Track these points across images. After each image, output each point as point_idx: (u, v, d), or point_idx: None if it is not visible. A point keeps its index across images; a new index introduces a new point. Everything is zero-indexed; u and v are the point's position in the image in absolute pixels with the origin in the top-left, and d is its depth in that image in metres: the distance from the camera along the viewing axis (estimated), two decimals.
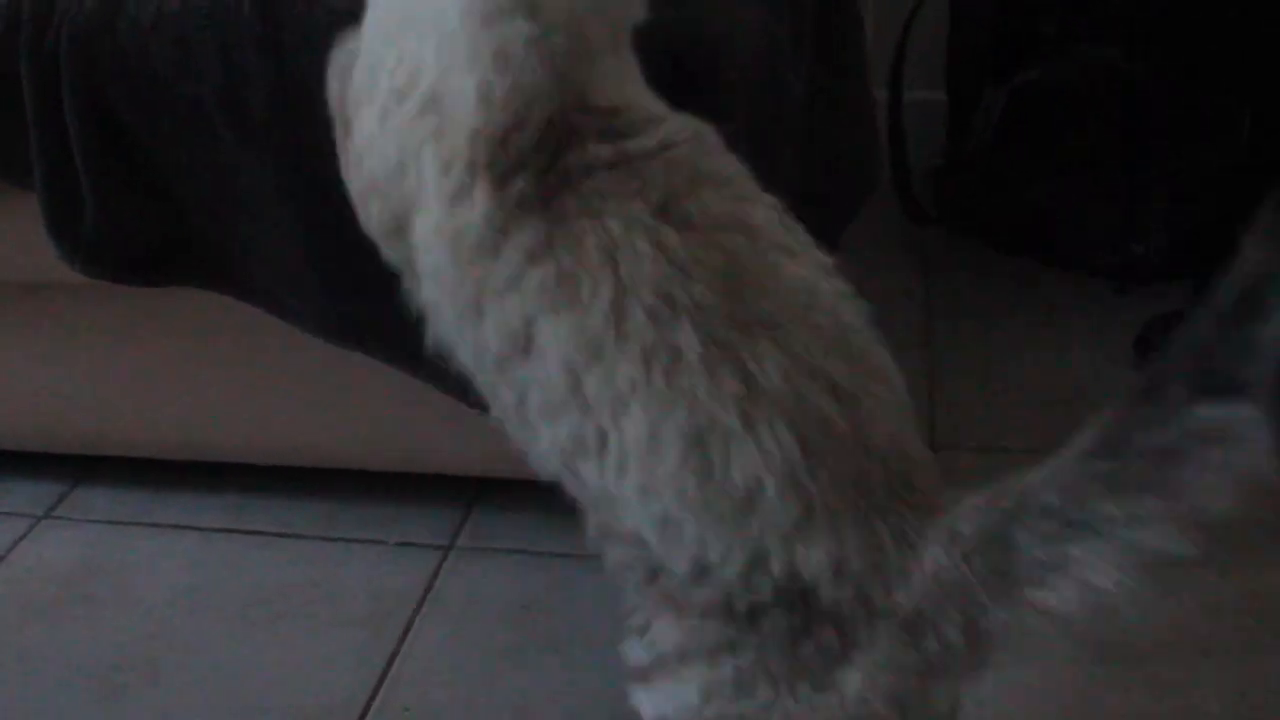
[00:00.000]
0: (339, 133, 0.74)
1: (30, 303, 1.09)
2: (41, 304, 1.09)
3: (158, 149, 0.94)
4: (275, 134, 0.90)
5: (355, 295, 0.94)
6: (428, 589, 1.01)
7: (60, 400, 1.12)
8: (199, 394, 1.09)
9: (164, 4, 0.93)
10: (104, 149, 0.95)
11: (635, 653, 0.68)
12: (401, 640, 0.96)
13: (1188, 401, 0.52)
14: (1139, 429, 0.54)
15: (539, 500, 1.09)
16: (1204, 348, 0.52)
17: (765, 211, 0.65)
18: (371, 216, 0.73)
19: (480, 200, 0.63)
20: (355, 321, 0.95)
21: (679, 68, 0.82)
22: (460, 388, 0.94)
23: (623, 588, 0.69)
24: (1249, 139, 1.37)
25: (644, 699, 0.68)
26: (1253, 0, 1.30)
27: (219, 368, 1.07)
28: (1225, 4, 1.31)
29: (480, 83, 0.63)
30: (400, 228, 0.70)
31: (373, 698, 0.91)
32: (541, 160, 0.63)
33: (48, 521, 1.14)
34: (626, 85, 0.68)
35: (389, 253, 0.74)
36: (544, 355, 0.63)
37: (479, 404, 0.94)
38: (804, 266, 0.64)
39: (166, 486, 1.16)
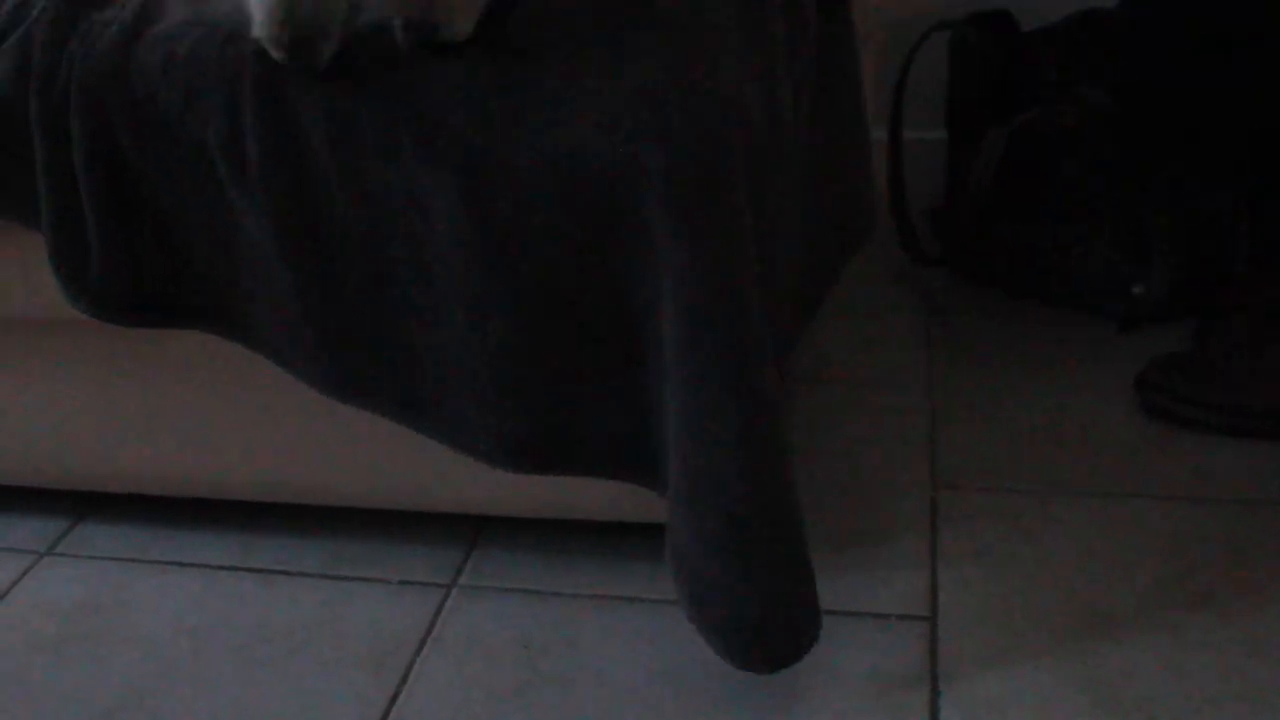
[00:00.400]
0: None
1: (34, 339, 1.10)
2: (45, 340, 1.10)
3: (165, 193, 0.96)
4: (270, 183, 0.92)
5: (349, 349, 0.95)
6: (429, 628, 1.02)
7: (63, 437, 1.13)
8: (202, 431, 1.10)
9: (174, 49, 0.95)
10: (112, 192, 0.97)
11: None
12: (403, 680, 0.97)
13: None
14: None
15: (541, 539, 1.11)
16: None
17: None
18: None
19: None
20: (350, 375, 0.96)
21: (686, 132, 0.84)
22: (456, 437, 0.96)
23: None
24: (1250, 184, 1.39)
25: None
26: (1253, 48, 1.32)
27: (223, 405, 1.09)
28: (1227, 50, 1.33)
29: None
30: None
31: None
32: None
33: (50, 558, 1.15)
34: None
35: None
36: None
37: (474, 450, 0.96)
38: None
39: (169, 523, 1.17)
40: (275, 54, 0.90)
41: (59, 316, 1.03)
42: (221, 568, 1.12)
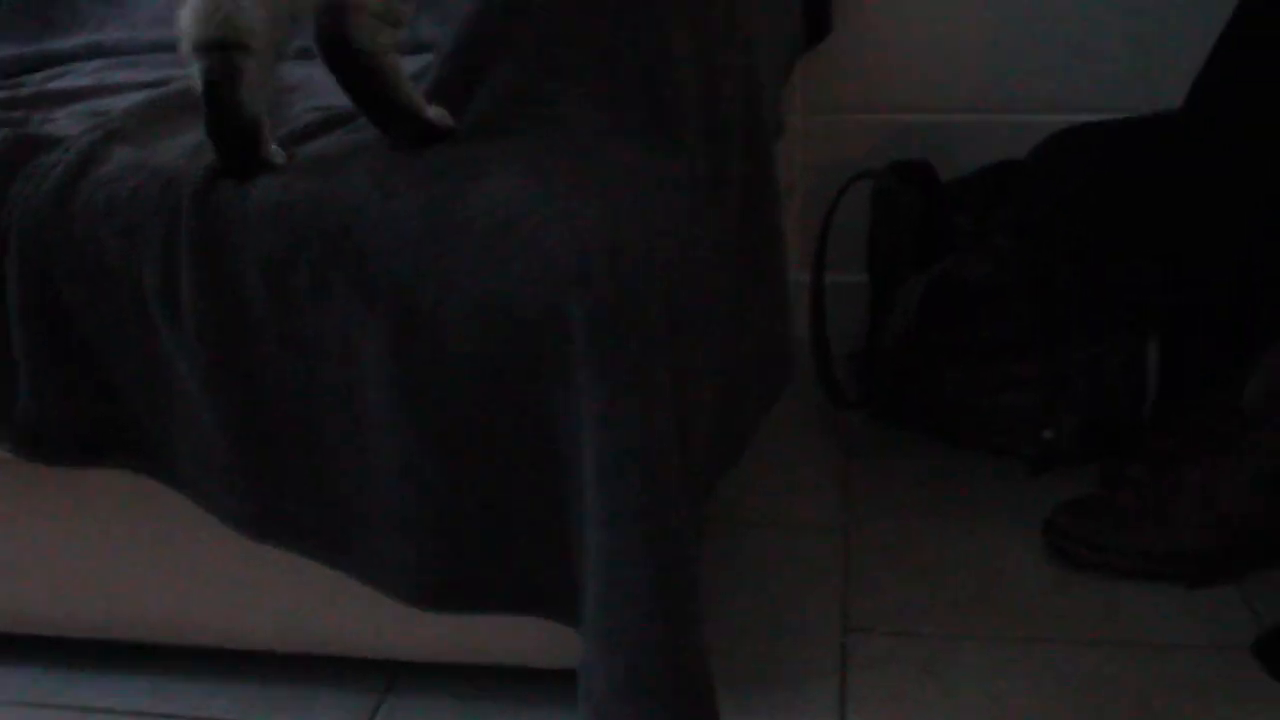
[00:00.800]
0: None
1: None
2: None
3: (100, 333, 1.01)
4: (203, 323, 0.97)
5: (274, 489, 1.00)
6: None
7: None
8: (117, 574, 1.13)
9: (116, 191, 1.01)
10: (46, 331, 1.01)
11: None
12: None
13: None
14: None
15: (455, 685, 1.14)
16: None
17: None
18: None
19: None
20: (273, 515, 1.01)
21: (609, 284, 0.91)
22: (377, 577, 1.00)
23: None
24: (1157, 330, 1.49)
25: None
26: (1158, 198, 1.43)
27: (137, 547, 1.12)
28: (1132, 200, 1.45)
29: None
30: None
31: None
32: None
33: None
34: None
35: None
36: None
37: (395, 590, 1.00)
38: None
39: (82, 667, 1.18)
40: (198, 63, 0.98)
41: None
42: (135, 713, 1.13)
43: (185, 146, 1.06)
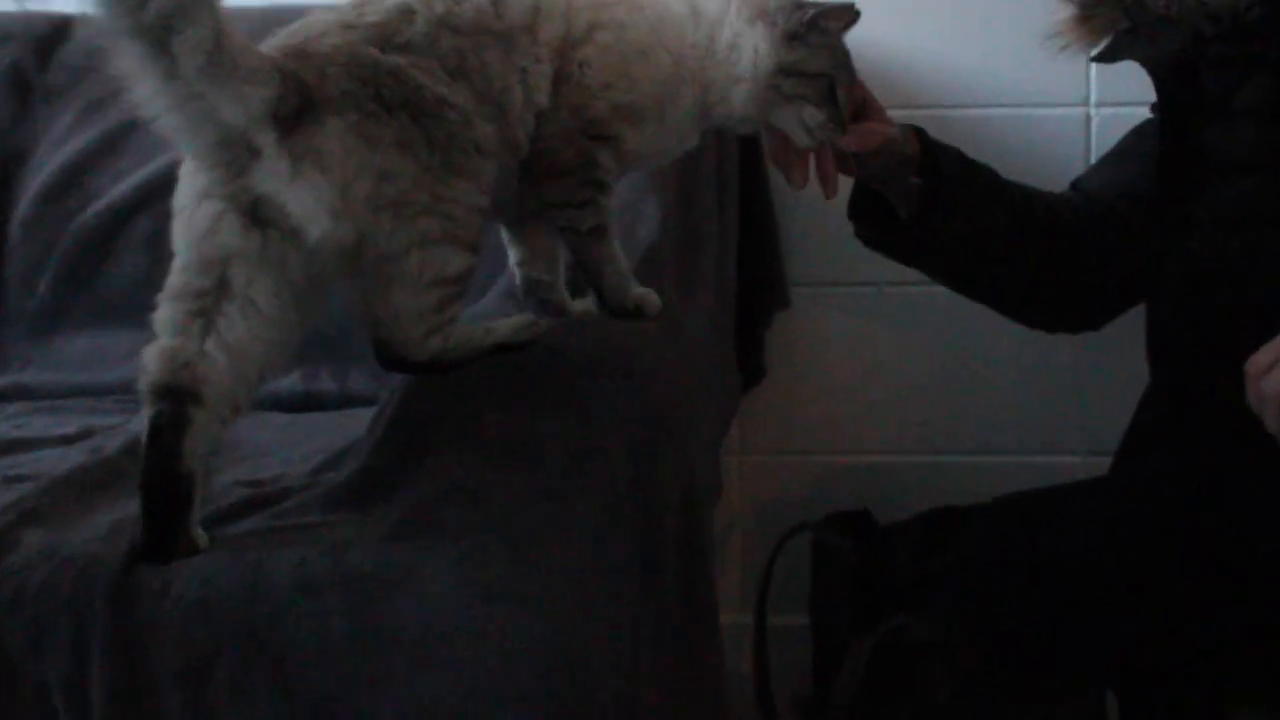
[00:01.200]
0: None
1: None
2: None
3: None
4: None
5: None
6: None
7: None
8: None
9: (25, 582, 0.99)
10: None
11: None
12: None
13: None
14: None
15: None
16: None
17: None
18: None
19: None
20: None
21: (542, 698, 0.92)
22: None
23: None
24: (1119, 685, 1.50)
25: None
26: (1103, 560, 1.45)
27: None
28: (1078, 567, 1.47)
29: None
30: None
31: None
32: None
33: None
34: None
35: None
36: None
37: None
38: None
39: None
40: (148, 407, 1.01)
41: None
42: None
43: (102, 527, 1.06)
